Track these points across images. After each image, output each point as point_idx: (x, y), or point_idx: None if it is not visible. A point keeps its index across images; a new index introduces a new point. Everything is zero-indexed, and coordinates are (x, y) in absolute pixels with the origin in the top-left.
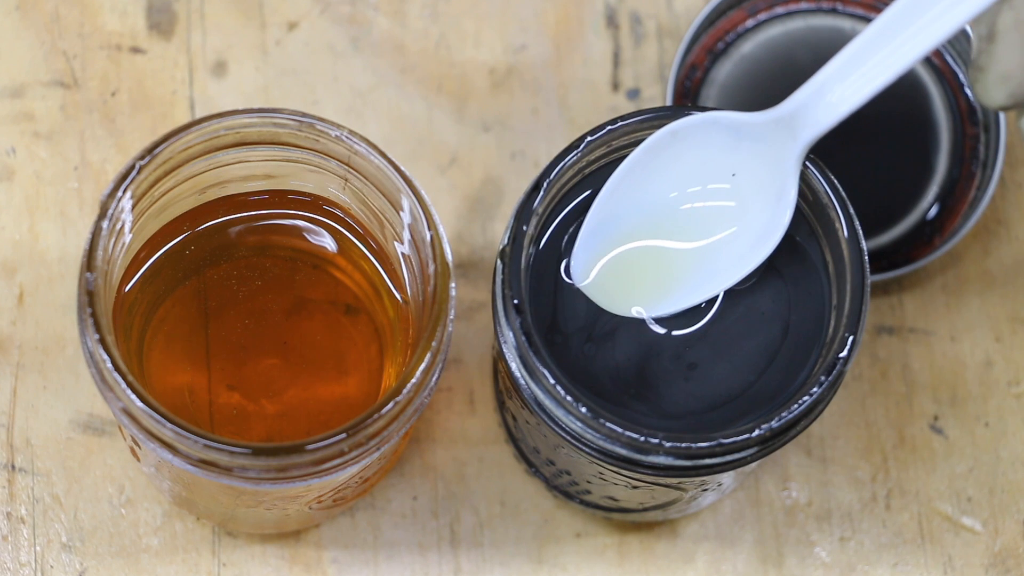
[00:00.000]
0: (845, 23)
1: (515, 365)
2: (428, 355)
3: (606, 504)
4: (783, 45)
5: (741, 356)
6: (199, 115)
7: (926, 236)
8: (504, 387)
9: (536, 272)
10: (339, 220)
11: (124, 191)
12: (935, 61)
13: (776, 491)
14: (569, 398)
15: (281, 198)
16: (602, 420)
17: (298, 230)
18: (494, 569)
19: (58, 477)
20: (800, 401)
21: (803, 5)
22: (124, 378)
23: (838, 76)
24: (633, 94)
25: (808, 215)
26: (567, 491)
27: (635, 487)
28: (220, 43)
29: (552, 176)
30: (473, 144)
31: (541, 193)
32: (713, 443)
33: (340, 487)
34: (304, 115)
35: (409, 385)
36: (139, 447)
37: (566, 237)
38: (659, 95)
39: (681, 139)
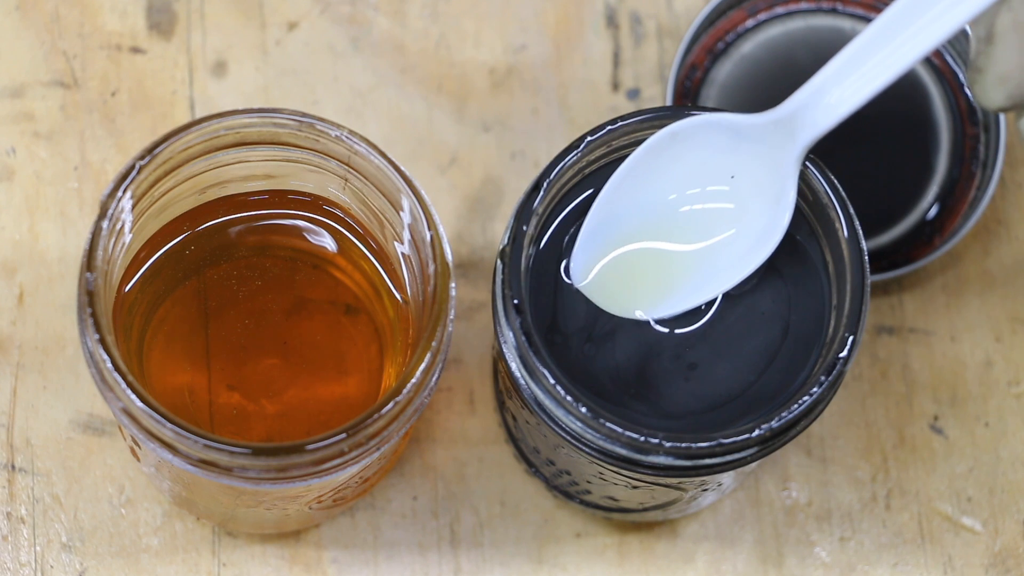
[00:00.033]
0: (845, 23)
1: (515, 365)
2: (428, 355)
3: (606, 504)
4: (783, 45)
5: (741, 356)
6: (199, 115)
7: (926, 236)
8: (504, 387)
9: (536, 272)
10: (339, 220)
11: (124, 191)
12: (935, 61)
13: (776, 491)
14: (569, 398)
15: (281, 198)
16: (602, 420)
17: (298, 230)
18: (494, 569)
19: (58, 477)
20: (800, 401)
21: (803, 5)
22: (124, 378)
23: (837, 78)
24: (633, 94)
25: (808, 215)
26: (567, 491)
27: (635, 487)
28: (220, 43)
29: (552, 176)
30: (473, 144)
31: (541, 193)
32: (713, 443)
33: (340, 487)
34: (304, 115)
35: (409, 385)
36: (139, 447)
37: (566, 238)
38: (659, 95)
39: (680, 141)
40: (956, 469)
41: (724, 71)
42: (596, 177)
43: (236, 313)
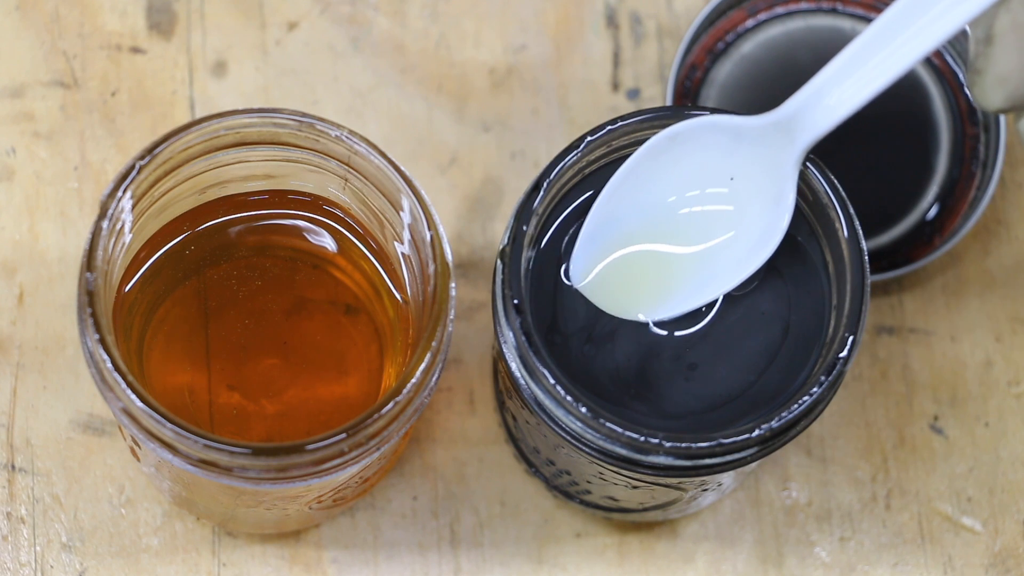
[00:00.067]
0: (845, 23)
1: (515, 365)
2: (428, 355)
3: (606, 504)
4: (783, 45)
5: (741, 356)
6: (199, 115)
7: (926, 236)
8: (504, 387)
9: (536, 272)
10: (339, 220)
11: (124, 191)
12: (935, 61)
13: (776, 491)
14: (569, 398)
15: (281, 198)
16: (602, 420)
17: (298, 230)
18: (494, 569)
19: (58, 477)
20: (800, 401)
21: (803, 5)
22: (124, 378)
23: (836, 79)
24: (633, 94)
25: (808, 215)
26: (567, 491)
27: (635, 487)
28: (220, 43)
29: (552, 176)
30: (473, 144)
31: (541, 193)
32: (713, 443)
33: (340, 487)
34: (304, 115)
35: (409, 385)
36: (139, 447)
37: (566, 239)
38: (659, 95)
39: (679, 143)
40: (956, 469)
41: (724, 71)
42: (596, 177)
43: (236, 313)
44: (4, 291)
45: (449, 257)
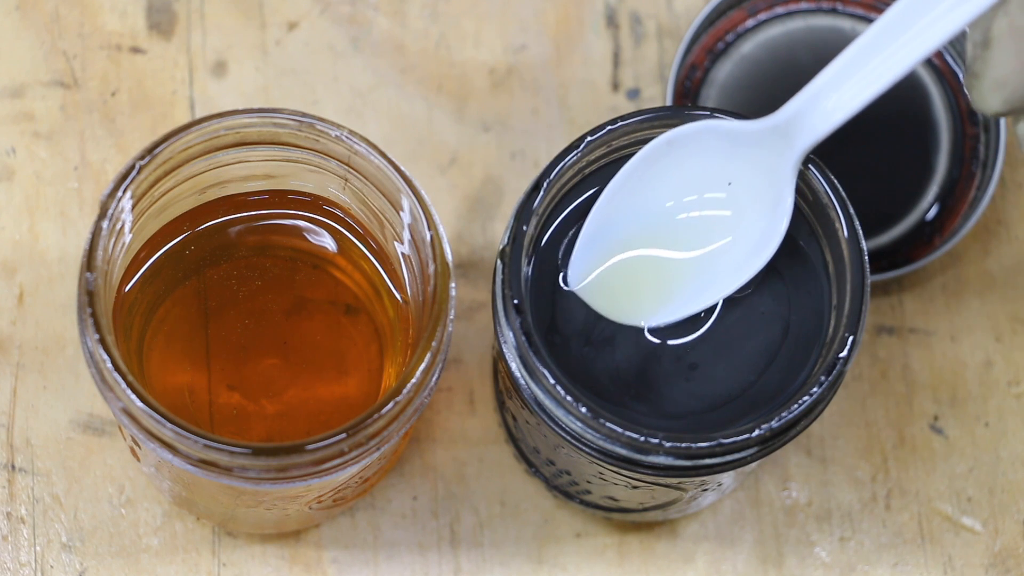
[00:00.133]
0: (845, 23)
1: (515, 365)
2: (428, 355)
3: (606, 504)
4: (783, 45)
5: (741, 356)
6: (199, 115)
7: (926, 236)
8: (504, 387)
9: (536, 273)
10: (339, 220)
11: (124, 191)
12: (935, 61)
13: (776, 491)
14: (569, 398)
15: (281, 198)
16: (602, 420)
17: (298, 230)
18: (494, 569)
19: (58, 477)
20: (800, 401)
21: (803, 5)
22: (124, 378)
23: (833, 83)
24: (633, 94)
25: (808, 215)
26: (567, 491)
27: (635, 487)
28: (220, 43)
29: (552, 176)
30: (473, 144)
31: (541, 193)
32: (713, 443)
33: (340, 487)
34: (304, 115)
35: (409, 385)
36: (139, 447)
37: (565, 241)
38: (659, 95)
39: (677, 148)
40: (956, 469)
41: (724, 71)
42: (596, 177)
43: (236, 313)
44: (4, 291)
45: (449, 257)
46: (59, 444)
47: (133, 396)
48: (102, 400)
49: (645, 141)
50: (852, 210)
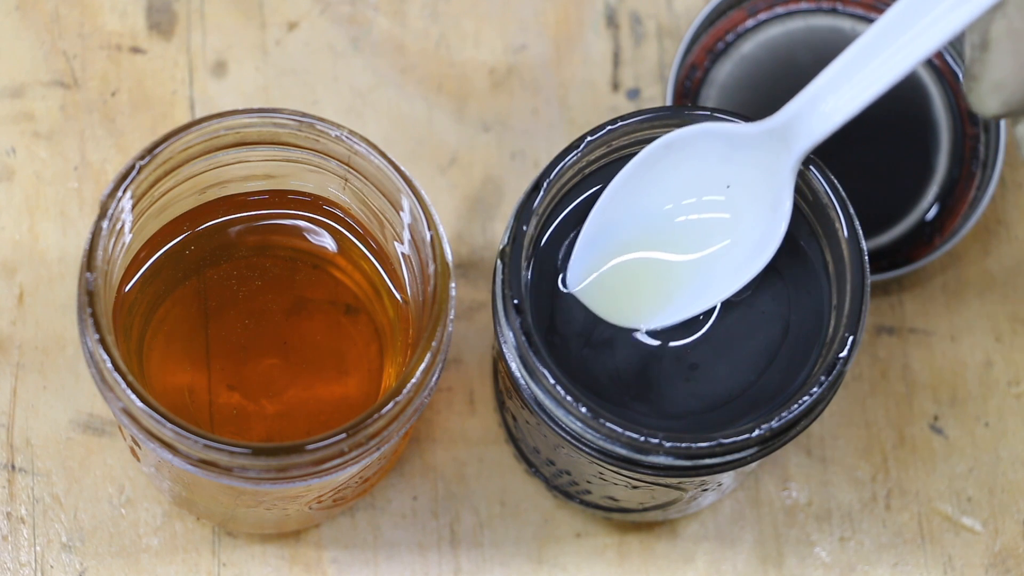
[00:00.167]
0: (845, 23)
1: (515, 365)
2: (428, 355)
3: (606, 504)
4: (783, 45)
5: (741, 356)
6: (199, 115)
7: (926, 236)
8: (504, 387)
9: (536, 274)
10: (339, 220)
11: (124, 191)
12: (935, 62)
13: (776, 491)
14: (569, 398)
15: (281, 198)
16: (602, 420)
17: (298, 230)
18: (494, 569)
19: (58, 477)
20: (800, 401)
21: (803, 5)
22: (124, 378)
23: (831, 86)
24: (633, 94)
25: (808, 215)
26: (567, 491)
27: (635, 487)
28: (220, 43)
29: (552, 176)
30: (473, 144)
31: (541, 193)
32: (713, 443)
33: (340, 487)
34: (304, 115)
35: (409, 385)
36: (139, 447)
37: (565, 243)
38: (659, 95)
39: (675, 151)
40: (956, 469)
41: (724, 71)
42: (596, 177)
43: (236, 313)
44: (4, 291)
45: (449, 257)
46: (59, 444)
47: (133, 396)
48: (102, 400)
49: (645, 141)
50: (852, 210)
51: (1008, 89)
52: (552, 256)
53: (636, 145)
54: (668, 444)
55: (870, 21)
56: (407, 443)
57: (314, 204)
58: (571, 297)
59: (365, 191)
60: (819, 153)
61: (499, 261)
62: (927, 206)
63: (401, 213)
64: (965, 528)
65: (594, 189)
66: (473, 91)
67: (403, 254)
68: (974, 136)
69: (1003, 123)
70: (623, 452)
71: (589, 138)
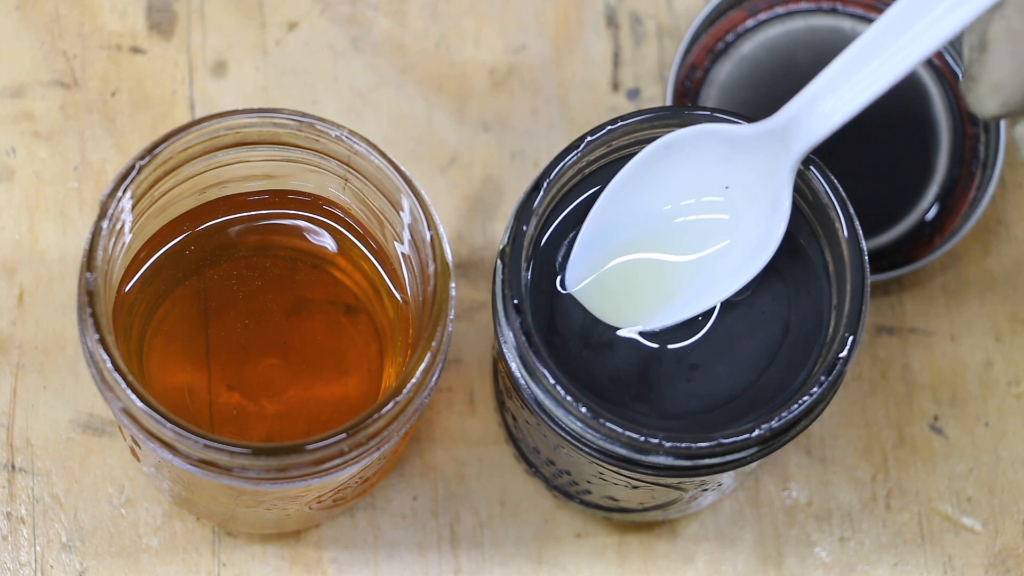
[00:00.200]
0: (845, 23)
1: (515, 365)
2: (428, 355)
3: (606, 504)
4: (783, 45)
5: (741, 356)
6: (199, 115)
7: (926, 236)
8: (504, 387)
9: (536, 274)
10: (339, 220)
11: (124, 191)
12: (935, 62)
13: (776, 491)
14: (569, 398)
15: (281, 198)
16: (602, 420)
17: (298, 230)
18: (494, 569)
19: (58, 477)
20: (800, 401)
21: (803, 5)
22: (124, 378)
23: (830, 87)
24: (633, 94)
25: (808, 215)
26: (567, 491)
27: (635, 487)
28: (220, 43)
29: (552, 176)
30: (473, 144)
31: (541, 193)
32: (713, 443)
33: (340, 487)
34: (304, 115)
35: (409, 385)
36: (139, 447)
37: (565, 243)
38: (659, 95)
39: (674, 152)
40: (956, 469)
41: (724, 71)
42: (596, 177)
43: (236, 313)
44: (4, 291)
45: (449, 257)
46: (59, 444)
47: (133, 396)
48: (102, 400)
49: (645, 141)
50: (852, 210)
51: (1007, 90)
52: (552, 256)
53: (636, 145)
54: (668, 444)
55: (870, 21)
56: (407, 443)
57: (314, 204)
58: (571, 297)
59: (365, 191)
60: (819, 153)
61: (499, 261)
62: (927, 206)
63: (401, 213)
64: (965, 528)
65: (594, 189)
66: (473, 91)
67: (403, 254)
68: (974, 136)
69: (1003, 123)
70: (623, 452)
71: (589, 138)
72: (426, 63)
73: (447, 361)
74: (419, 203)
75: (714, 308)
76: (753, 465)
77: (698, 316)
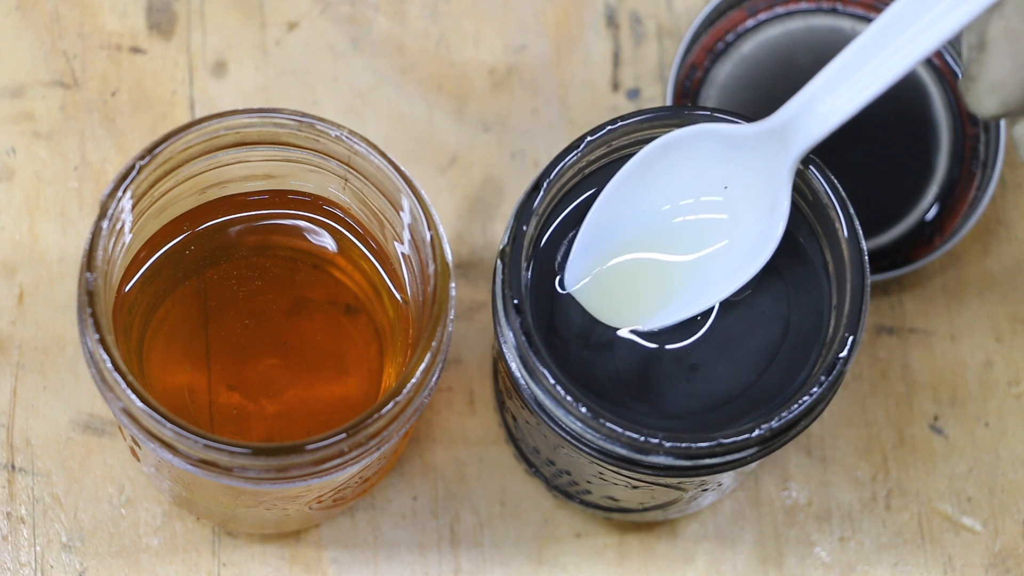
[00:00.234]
0: (845, 23)
1: (515, 365)
2: (428, 355)
3: (606, 504)
4: (783, 45)
5: (741, 356)
6: (199, 115)
7: (926, 236)
8: (504, 387)
9: (536, 274)
10: (339, 220)
11: (124, 191)
12: (935, 61)
13: (776, 491)
14: (569, 398)
15: (281, 198)
16: (602, 420)
17: (298, 230)
18: (494, 569)
19: (58, 477)
20: (800, 401)
21: (803, 5)
22: (124, 378)
23: (829, 86)
24: (633, 94)
25: (808, 215)
26: (567, 491)
27: (635, 487)
28: (220, 43)
29: (552, 176)
30: (473, 144)
31: (541, 193)
32: (713, 443)
33: (340, 487)
34: (304, 115)
35: (409, 385)
36: (139, 447)
37: (564, 243)
38: (659, 95)
39: (673, 152)
40: (956, 469)
41: (724, 71)
42: (596, 177)
43: (236, 313)
44: (4, 291)
45: (449, 257)
46: (59, 444)
47: (133, 396)
48: (102, 400)
49: (645, 141)
50: (852, 210)
51: (1006, 89)
52: (552, 256)
53: (636, 145)
54: (668, 444)
55: (870, 21)
56: (407, 443)
57: (314, 204)
58: (571, 297)
59: (365, 191)
60: (819, 153)
61: (499, 261)
62: (927, 206)
63: (401, 213)
64: (965, 528)
65: (594, 189)
66: (473, 91)
67: (403, 254)
68: (974, 136)
69: (1003, 123)
70: (623, 452)
71: (589, 138)
72: (426, 63)
73: (447, 361)
74: (419, 203)
75: (713, 308)
76: (753, 465)
77: (697, 316)
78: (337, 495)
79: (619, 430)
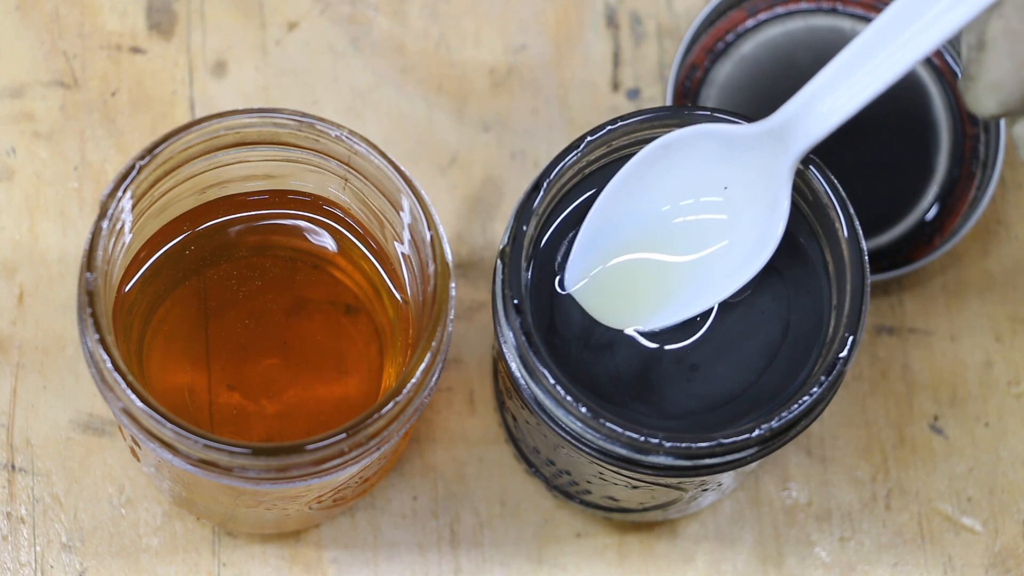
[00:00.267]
0: (845, 23)
1: (515, 365)
2: (428, 355)
3: (606, 504)
4: (783, 45)
5: (741, 356)
6: (199, 115)
7: (926, 236)
8: (504, 387)
9: (536, 274)
10: (339, 220)
11: (124, 191)
12: (935, 61)
13: (776, 491)
14: (569, 398)
15: (281, 198)
16: (602, 420)
17: (298, 230)
18: (494, 569)
19: (58, 477)
20: (800, 401)
21: (803, 5)
22: (124, 378)
23: (828, 86)
24: (633, 94)
25: (808, 215)
26: (567, 491)
27: (635, 487)
28: (220, 43)
29: (552, 176)
30: (473, 144)
31: (541, 193)
32: (713, 443)
33: (340, 487)
34: (304, 115)
35: (409, 385)
36: (139, 447)
37: (564, 243)
38: (659, 95)
39: (673, 152)
40: (956, 469)
41: (724, 71)
42: (596, 177)
43: (236, 313)
44: (4, 291)
45: (449, 257)
46: (59, 444)
47: (133, 396)
48: (102, 400)
49: (645, 141)
50: (852, 210)
51: (1005, 89)
52: (552, 256)
53: (636, 145)
54: (668, 444)
55: (870, 21)
56: (407, 443)
57: (314, 204)
58: (571, 297)
59: (365, 191)
60: (819, 153)
61: (499, 261)
62: (927, 206)
63: (401, 213)
64: (965, 528)
65: (594, 189)
66: (473, 91)
67: (403, 254)
68: (974, 136)
69: (1003, 123)
70: (623, 452)
71: (589, 138)
72: (426, 63)
73: (447, 361)
74: (419, 203)
75: (713, 308)
76: (753, 465)
77: (697, 316)
78: (337, 495)
79: (619, 430)
